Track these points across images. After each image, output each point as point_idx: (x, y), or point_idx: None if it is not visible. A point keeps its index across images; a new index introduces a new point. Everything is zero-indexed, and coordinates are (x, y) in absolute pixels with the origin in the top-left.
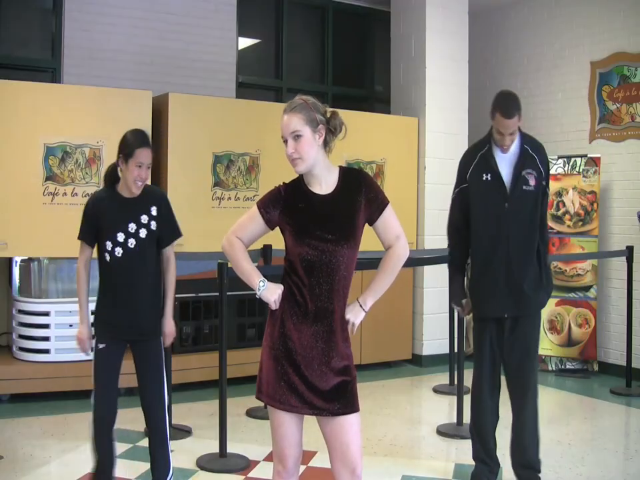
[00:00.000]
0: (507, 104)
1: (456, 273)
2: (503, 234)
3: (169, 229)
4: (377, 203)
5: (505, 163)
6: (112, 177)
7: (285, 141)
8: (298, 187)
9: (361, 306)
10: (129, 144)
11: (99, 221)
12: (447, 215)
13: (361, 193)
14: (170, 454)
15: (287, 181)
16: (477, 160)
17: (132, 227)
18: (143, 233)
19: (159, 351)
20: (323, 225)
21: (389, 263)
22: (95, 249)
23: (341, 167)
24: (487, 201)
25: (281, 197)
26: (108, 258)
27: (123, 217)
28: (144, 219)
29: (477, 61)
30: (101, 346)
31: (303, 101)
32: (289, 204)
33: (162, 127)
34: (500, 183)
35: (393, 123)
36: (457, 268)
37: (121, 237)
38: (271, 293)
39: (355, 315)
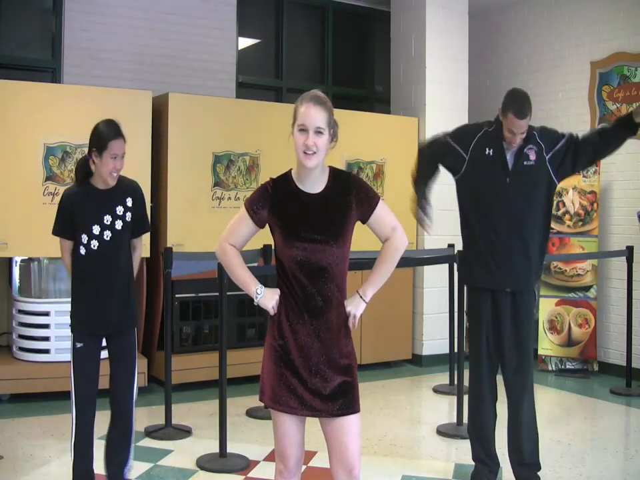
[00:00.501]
0: (520, 104)
1: (420, 184)
2: (504, 209)
3: (141, 222)
4: (368, 202)
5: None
6: (84, 171)
7: (301, 130)
8: (286, 185)
9: (361, 297)
10: (103, 136)
11: (73, 216)
12: (449, 214)
13: (351, 193)
14: (132, 446)
15: (274, 177)
16: (482, 133)
17: (107, 219)
18: (118, 224)
19: (133, 343)
20: (312, 225)
21: (387, 253)
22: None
23: (330, 167)
24: (487, 176)
25: (269, 195)
26: (83, 251)
27: (98, 210)
28: (119, 210)
29: (477, 61)
30: (78, 345)
31: (327, 101)
32: (277, 202)
33: (162, 127)
34: (502, 158)
35: (393, 123)
36: (422, 181)
37: (96, 229)
38: (268, 299)
39: (355, 307)
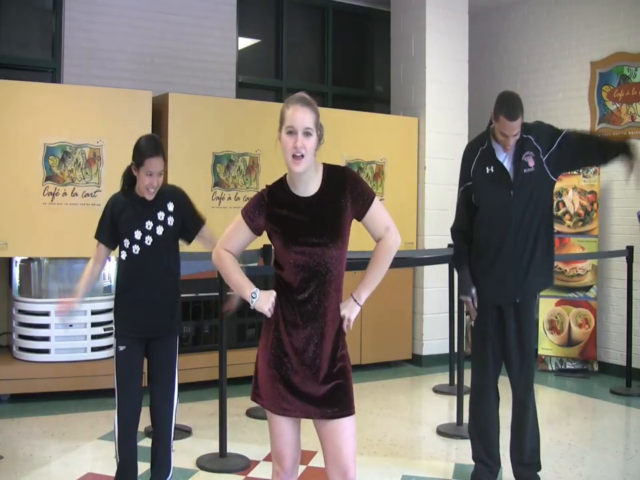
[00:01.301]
0: (510, 106)
1: (463, 266)
2: (511, 221)
3: (191, 221)
4: (363, 199)
5: (505, 153)
6: (129, 178)
7: (290, 133)
8: (281, 190)
9: (355, 300)
10: (140, 153)
11: (117, 221)
12: (449, 215)
13: (345, 191)
14: (172, 455)
15: (270, 184)
16: (478, 155)
17: (149, 224)
18: (159, 230)
19: (173, 351)
20: (309, 229)
21: (380, 254)
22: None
23: (324, 165)
24: (492, 193)
25: (265, 203)
26: (125, 256)
27: (140, 215)
28: (160, 215)
29: (476, 61)
30: (121, 348)
31: (314, 103)
32: (273, 209)
33: (162, 127)
34: (503, 173)
35: (393, 123)
36: (464, 263)
37: (138, 234)
38: (264, 302)
39: (349, 310)
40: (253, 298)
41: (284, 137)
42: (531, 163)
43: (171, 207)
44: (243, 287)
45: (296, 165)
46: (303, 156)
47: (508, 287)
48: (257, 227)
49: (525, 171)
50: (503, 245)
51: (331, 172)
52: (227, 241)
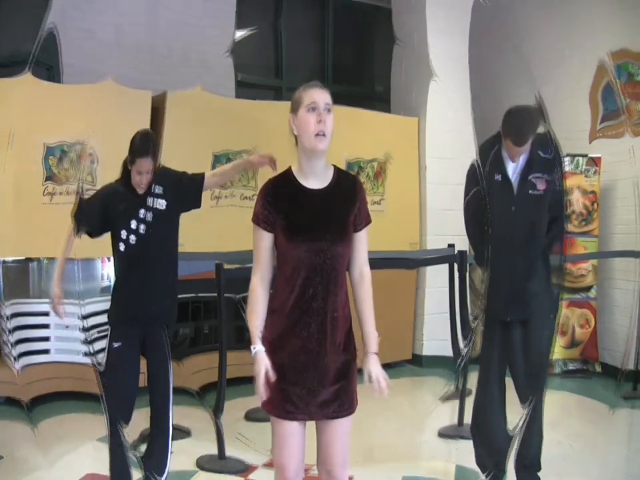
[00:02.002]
0: (519, 129)
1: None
2: (509, 236)
3: (190, 186)
4: (364, 216)
5: (514, 165)
6: (126, 170)
7: (311, 109)
8: (288, 183)
9: (373, 354)
10: (133, 150)
11: (112, 211)
12: (450, 215)
13: (356, 198)
14: (169, 454)
15: (271, 178)
16: (490, 158)
17: (142, 212)
18: (149, 216)
19: (167, 351)
20: (315, 224)
21: (366, 297)
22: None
23: (335, 166)
24: (496, 202)
25: (270, 201)
26: (123, 247)
27: (133, 205)
28: (150, 201)
29: (477, 61)
30: (115, 345)
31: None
32: (280, 203)
33: (160, 125)
34: (508, 184)
35: (393, 122)
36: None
37: (133, 223)
38: (256, 364)
39: (374, 365)
40: (252, 353)
41: (304, 116)
42: (541, 186)
43: (159, 189)
44: (252, 335)
45: (319, 141)
46: (324, 135)
47: (501, 303)
48: (272, 226)
49: (530, 191)
50: (499, 259)
51: (341, 174)
52: (256, 262)
